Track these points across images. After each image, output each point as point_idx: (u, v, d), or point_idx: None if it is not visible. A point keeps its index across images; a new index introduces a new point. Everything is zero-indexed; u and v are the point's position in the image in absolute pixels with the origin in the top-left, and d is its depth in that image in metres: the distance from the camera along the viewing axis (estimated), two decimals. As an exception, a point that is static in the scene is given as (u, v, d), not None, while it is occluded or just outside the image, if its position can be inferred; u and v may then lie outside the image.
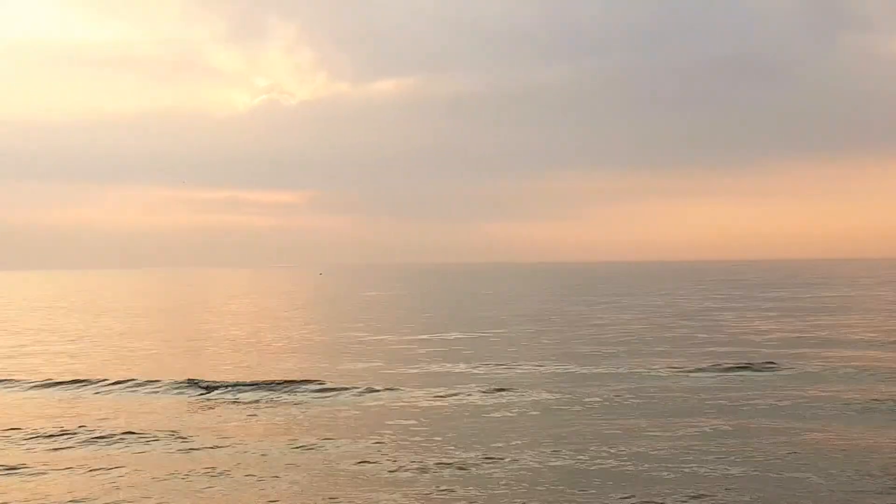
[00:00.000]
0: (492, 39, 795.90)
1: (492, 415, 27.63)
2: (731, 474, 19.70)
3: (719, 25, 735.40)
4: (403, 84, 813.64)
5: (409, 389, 32.50)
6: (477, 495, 18.44)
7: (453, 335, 55.12)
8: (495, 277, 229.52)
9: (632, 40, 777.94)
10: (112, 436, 24.98)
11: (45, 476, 20.71)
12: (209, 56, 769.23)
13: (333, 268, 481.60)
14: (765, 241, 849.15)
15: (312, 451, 22.80)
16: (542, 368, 38.08)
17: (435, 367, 39.19)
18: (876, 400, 28.59)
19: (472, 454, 21.94)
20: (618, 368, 37.50)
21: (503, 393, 31.30)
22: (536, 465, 20.83)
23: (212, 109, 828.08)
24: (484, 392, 31.60)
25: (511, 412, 27.90)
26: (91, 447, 23.79)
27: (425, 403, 29.72)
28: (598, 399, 29.78)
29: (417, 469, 20.58)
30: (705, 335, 52.27)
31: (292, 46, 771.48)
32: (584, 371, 37.00)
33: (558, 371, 37.27)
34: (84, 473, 20.82)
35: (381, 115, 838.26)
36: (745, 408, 27.70)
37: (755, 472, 19.84)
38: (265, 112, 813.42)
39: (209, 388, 33.63)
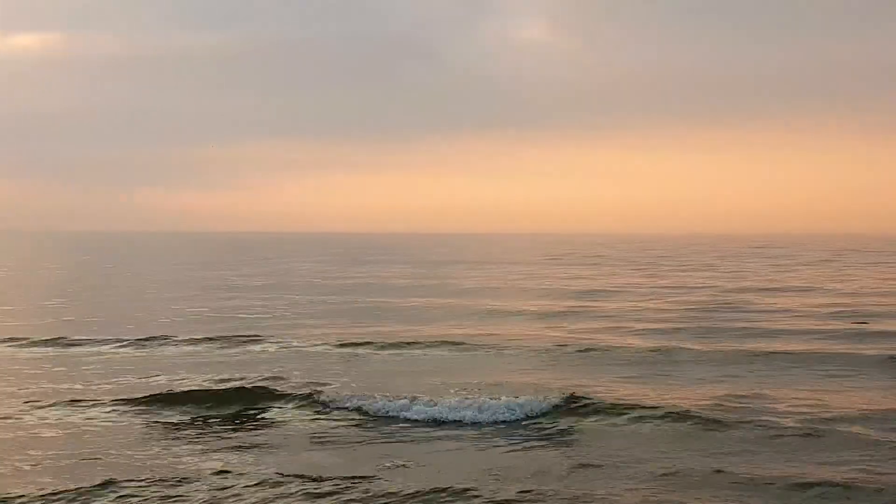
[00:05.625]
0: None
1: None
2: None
3: (385, 3, 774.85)
4: (47, 40, 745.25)
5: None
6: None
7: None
8: (146, 247, 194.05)
9: (303, 11, 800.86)
10: None
11: None
12: None
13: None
14: (404, 215, 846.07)
15: None
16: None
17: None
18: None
19: None
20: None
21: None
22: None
23: None
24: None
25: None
26: None
27: None
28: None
29: None
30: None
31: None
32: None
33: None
34: None
35: (29, 71, 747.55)
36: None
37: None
38: None
39: None
